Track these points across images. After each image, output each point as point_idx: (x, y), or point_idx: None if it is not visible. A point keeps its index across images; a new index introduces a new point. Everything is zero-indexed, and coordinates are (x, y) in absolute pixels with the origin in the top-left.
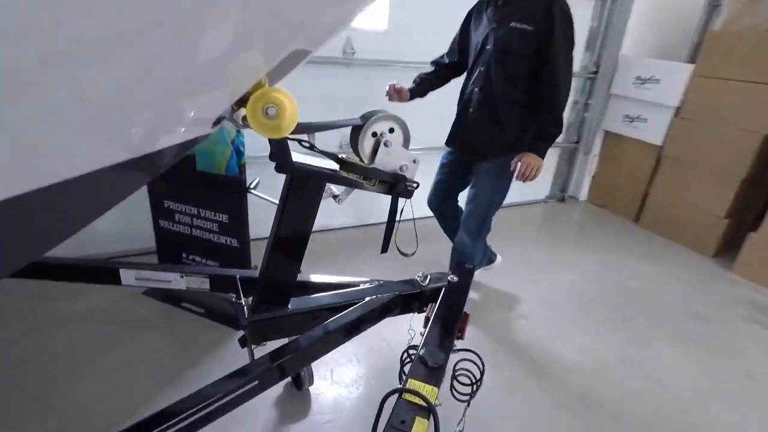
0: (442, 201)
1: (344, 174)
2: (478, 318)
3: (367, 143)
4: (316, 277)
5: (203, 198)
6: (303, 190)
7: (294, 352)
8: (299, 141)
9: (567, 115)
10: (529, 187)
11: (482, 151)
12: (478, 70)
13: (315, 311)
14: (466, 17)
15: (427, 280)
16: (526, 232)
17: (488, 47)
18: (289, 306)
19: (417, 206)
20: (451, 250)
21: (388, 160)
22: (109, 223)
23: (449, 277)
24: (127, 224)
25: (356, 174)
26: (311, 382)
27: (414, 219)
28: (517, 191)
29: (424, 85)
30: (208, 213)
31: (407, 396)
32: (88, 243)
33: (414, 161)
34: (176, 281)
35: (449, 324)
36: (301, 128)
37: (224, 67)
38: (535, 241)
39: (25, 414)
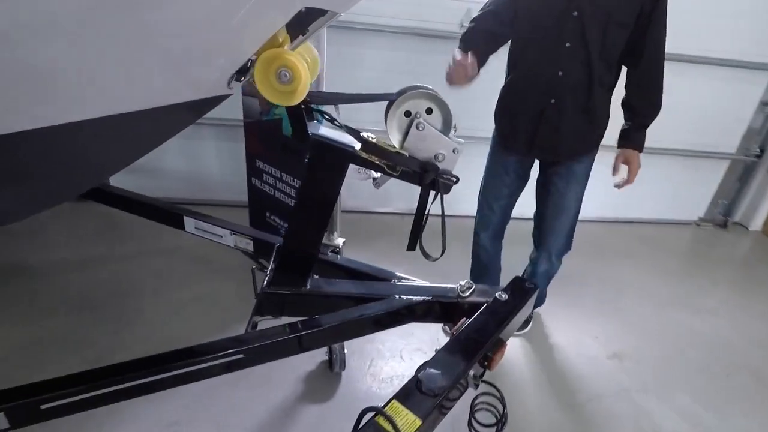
0: (501, 225)
1: (363, 155)
2: (553, 345)
3: (396, 123)
4: (349, 262)
5: (285, 162)
6: (322, 165)
7: (307, 330)
8: (321, 113)
9: (749, 116)
10: (676, 202)
11: (571, 150)
12: (565, 45)
13: (334, 297)
14: None
15: (470, 291)
16: (658, 258)
17: (575, 14)
18: (308, 285)
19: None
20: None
21: (420, 146)
22: (219, 174)
23: (497, 294)
24: (234, 176)
25: (378, 157)
26: (342, 367)
27: (443, 216)
28: (658, 206)
29: (485, 48)
30: (288, 177)
31: (380, 420)
32: (204, 189)
33: (454, 151)
34: (226, 237)
35: (472, 348)
36: (322, 97)
37: (235, 19)
38: (670, 271)
39: (105, 317)
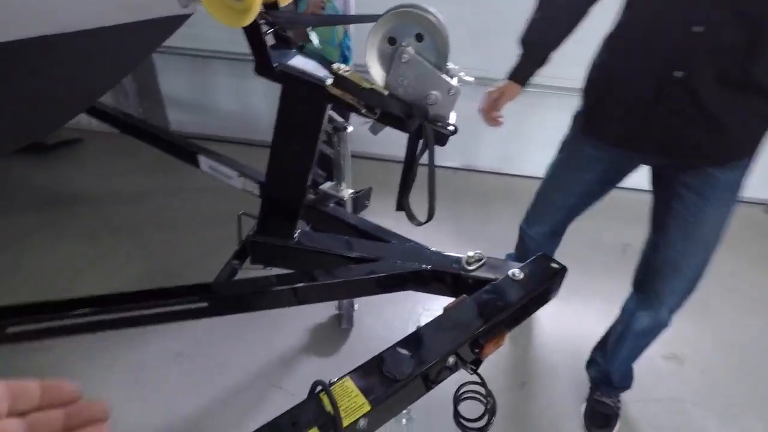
0: (562, 225)
1: (336, 92)
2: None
3: (376, 53)
4: (349, 216)
5: None
6: (294, 101)
7: (280, 285)
8: (282, 35)
9: None
10: None
11: (720, 150)
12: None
13: (322, 254)
14: None
15: (477, 264)
16: (744, 242)
17: None
18: (295, 237)
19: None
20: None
21: (406, 84)
22: (269, 115)
23: (511, 271)
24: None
25: (351, 95)
26: (350, 324)
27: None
28: None
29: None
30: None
31: (324, 397)
32: (255, 129)
33: (450, 92)
34: (234, 179)
35: (459, 331)
36: (289, 19)
37: None
38: (759, 262)
39: (140, 245)
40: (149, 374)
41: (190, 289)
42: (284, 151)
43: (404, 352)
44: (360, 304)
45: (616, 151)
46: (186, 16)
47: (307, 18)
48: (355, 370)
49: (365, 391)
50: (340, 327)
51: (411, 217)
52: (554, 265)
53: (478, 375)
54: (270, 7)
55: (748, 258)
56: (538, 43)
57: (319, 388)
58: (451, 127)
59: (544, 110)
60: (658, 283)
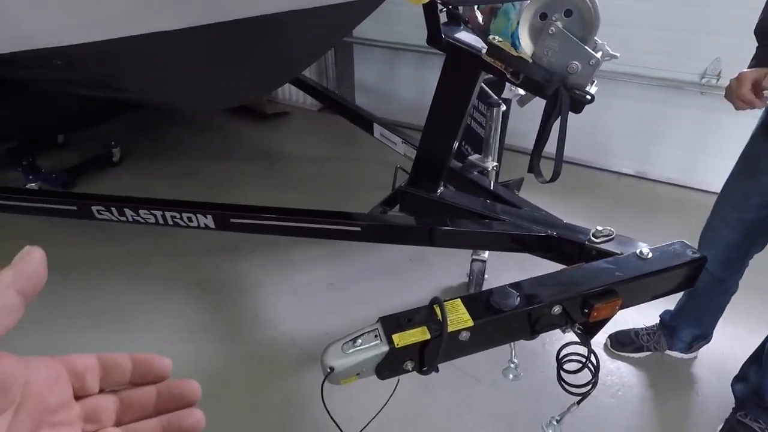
0: (738, 249)
1: (488, 59)
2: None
3: (528, 25)
4: (489, 183)
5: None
6: (453, 68)
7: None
8: (454, 13)
9: None
10: None
11: None
12: None
13: (459, 210)
14: None
15: (605, 239)
16: None
17: None
18: (439, 192)
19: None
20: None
21: (551, 54)
22: None
23: (640, 250)
24: None
25: (500, 62)
26: (478, 290)
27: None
28: None
29: None
30: (482, 106)
31: (437, 307)
32: None
33: (591, 62)
34: (399, 145)
35: (569, 287)
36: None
37: None
38: None
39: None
40: (306, 294)
41: (350, 215)
42: (439, 113)
43: (513, 291)
44: (490, 274)
45: None
46: (379, 1)
47: None
48: (467, 295)
49: (471, 312)
50: (468, 292)
51: (538, 174)
52: (691, 253)
53: (586, 339)
54: None
55: None
56: None
57: (435, 302)
58: (588, 96)
59: (733, 119)
60: None
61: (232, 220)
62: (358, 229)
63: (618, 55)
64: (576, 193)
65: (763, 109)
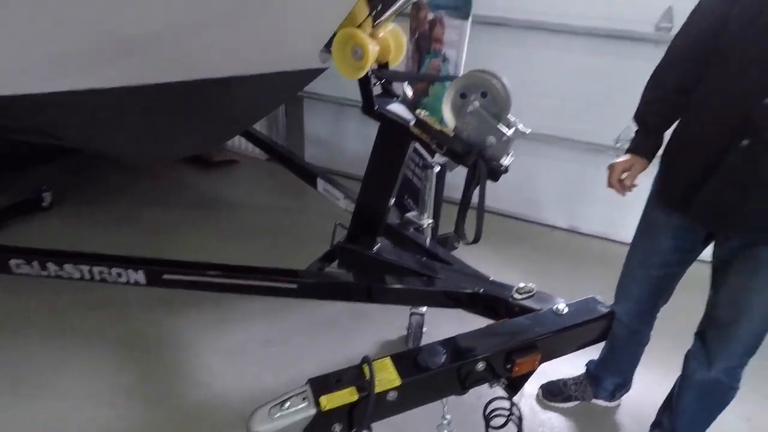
0: (647, 303)
1: (416, 131)
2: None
3: (450, 103)
4: (422, 239)
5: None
6: (386, 136)
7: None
8: (387, 88)
9: None
10: None
11: (762, 225)
12: None
13: (394, 266)
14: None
15: (526, 295)
16: None
17: None
18: (375, 249)
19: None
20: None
21: (470, 129)
22: None
23: (555, 307)
24: None
25: (427, 135)
26: (416, 344)
27: (482, 200)
28: None
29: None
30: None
31: (365, 367)
32: None
33: (504, 139)
34: (341, 200)
35: (492, 343)
36: (392, 75)
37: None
38: None
39: (263, 243)
40: (243, 351)
41: (287, 271)
42: (374, 176)
43: (440, 348)
44: (429, 327)
45: (679, 216)
46: (322, 69)
47: (404, 74)
48: (396, 354)
49: (400, 371)
50: (407, 346)
51: (462, 237)
52: (602, 308)
53: (510, 393)
54: (381, 67)
55: None
56: (651, 122)
57: (365, 361)
58: (503, 167)
59: (648, 179)
60: (713, 341)
61: (164, 276)
62: (295, 286)
63: (528, 131)
64: (513, 245)
65: (656, 174)
